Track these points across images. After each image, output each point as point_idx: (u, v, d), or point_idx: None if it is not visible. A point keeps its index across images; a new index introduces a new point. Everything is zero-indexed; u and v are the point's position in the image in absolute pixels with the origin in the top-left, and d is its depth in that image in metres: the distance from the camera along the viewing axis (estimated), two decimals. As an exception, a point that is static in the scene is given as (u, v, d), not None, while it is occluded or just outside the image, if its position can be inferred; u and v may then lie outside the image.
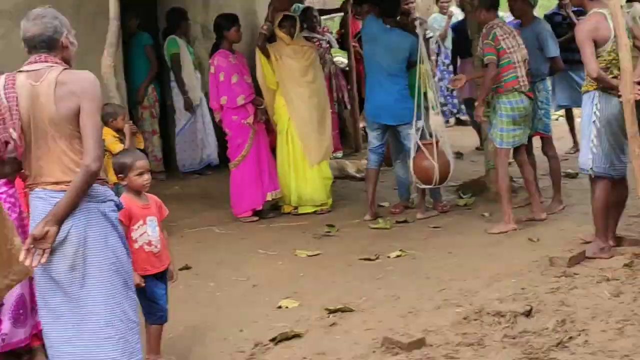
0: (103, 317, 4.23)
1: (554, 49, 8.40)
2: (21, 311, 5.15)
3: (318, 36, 11.83)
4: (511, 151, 8.14)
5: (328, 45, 12.21)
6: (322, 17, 13.54)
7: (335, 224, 8.59)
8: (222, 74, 8.99)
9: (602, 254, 6.73)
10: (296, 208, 9.22)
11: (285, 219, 9.10)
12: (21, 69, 4.27)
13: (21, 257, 4.13)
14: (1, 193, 5.10)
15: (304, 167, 9.21)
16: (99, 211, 4.23)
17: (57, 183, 4.19)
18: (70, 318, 4.24)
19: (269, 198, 9.15)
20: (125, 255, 4.36)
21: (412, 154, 8.44)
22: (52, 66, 4.21)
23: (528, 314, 5.62)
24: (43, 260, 4.11)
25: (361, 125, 9.73)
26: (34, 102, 4.16)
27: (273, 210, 9.33)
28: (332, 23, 17.20)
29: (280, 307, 6.28)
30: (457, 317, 5.72)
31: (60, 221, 4.12)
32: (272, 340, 5.59)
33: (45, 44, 4.25)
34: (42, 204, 4.20)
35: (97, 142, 4.14)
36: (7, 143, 4.24)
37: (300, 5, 12.21)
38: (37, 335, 5.12)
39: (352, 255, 7.50)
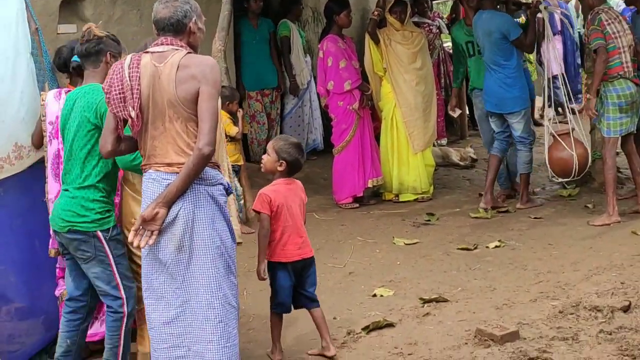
0: (204, 299, 4.29)
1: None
2: None
3: (428, 21, 11.78)
4: (619, 140, 7.96)
5: (438, 30, 12.12)
6: (434, 1, 13.48)
7: (435, 212, 8.55)
8: (330, 59, 9.02)
9: None
10: (397, 195, 9.18)
11: (386, 206, 9.06)
12: (147, 50, 4.36)
13: (130, 237, 4.24)
14: None
15: (407, 154, 9.15)
16: (208, 194, 4.29)
17: (169, 165, 4.26)
18: (172, 299, 4.31)
19: (370, 185, 9.14)
20: (230, 239, 4.39)
21: (546, 145, 8.24)
22: (176, 49, 4.29)
23: (626, 309, 5.52)
24: (151, 241, 4.19)
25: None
26: (155, 83, 4.24)
27: (374, 197, 9.32)
28: (443, 7, 17.12)
29: (375, 295, 6.31)
30: (552, 311, 5.65)
31: (170, 203, 4.20)
32: (365, 328, 5.63)
33: (173, 27, 4.32)
34: (154, 185, 4.28)
35: (212, 126, 4.19)
36: (125, 121, 4.33)
37: (412, -10, 12.19)
38: None
39: (450, 244, 7.49)
